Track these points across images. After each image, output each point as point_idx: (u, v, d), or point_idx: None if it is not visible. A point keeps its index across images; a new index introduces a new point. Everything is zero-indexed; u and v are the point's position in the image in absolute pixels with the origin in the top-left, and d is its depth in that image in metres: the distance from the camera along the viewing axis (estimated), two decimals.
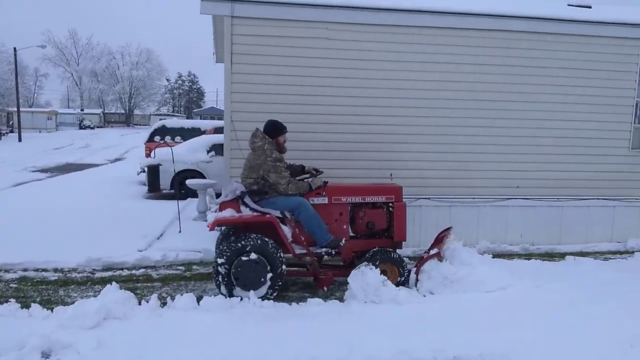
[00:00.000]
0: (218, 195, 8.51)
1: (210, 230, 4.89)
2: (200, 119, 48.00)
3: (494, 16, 6.82)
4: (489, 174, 7.16)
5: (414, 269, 5.19)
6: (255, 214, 4.91)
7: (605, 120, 7.37)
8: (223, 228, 5.44)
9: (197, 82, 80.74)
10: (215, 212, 4.96)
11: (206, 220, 5.02)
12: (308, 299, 4.67)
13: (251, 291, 4.62)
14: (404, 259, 5.41)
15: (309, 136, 6.60)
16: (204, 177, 10.28)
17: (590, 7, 7.66)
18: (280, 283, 4.81)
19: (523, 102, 7.10)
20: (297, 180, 5.21)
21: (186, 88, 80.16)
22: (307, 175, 5.60)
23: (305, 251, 5.08)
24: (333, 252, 5.25)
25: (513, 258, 6.66)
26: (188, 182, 8.62)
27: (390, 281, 4.86)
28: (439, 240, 5.58)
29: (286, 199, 5.05)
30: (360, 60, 6.66)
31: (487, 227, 7.23)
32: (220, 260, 4.69)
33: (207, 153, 10.88)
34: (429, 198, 7.06)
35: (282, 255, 4.82)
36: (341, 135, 6.73)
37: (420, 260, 5.26)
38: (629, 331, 3.91)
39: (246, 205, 4.95)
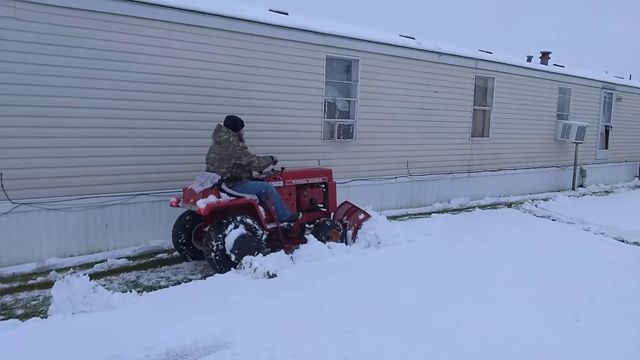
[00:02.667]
0: None
1: (204, 214, 5.42)
2: None
3: (197, 12, 7.01)
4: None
5: (351, 231, 6.74)
6: (232, 198, 5.72)
7: (303, 115, 8.46)
8: (182, 212, 6.24)
9: None
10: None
11: None
12: (0, 322, 4.03)
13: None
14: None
15: None
16: None
17: (287, 14, 8.62)
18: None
19: (234, 97, 7.55)
20: (261, 156, 6.13)
21: None
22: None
23: (275, 226, 6.17)
24: (291, 225, 6.44)
25: None
26: None
27: (334, 241, 6.44)
28: (354, 210, 7.09)
29: (255, 184, 6.06)
30: (58, 47, 5.99)
31: None
32: (215, 241, 5.43)
33: None
34: (148, 194, 6.90)
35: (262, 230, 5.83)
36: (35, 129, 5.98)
37: (356, 221, 6.85)
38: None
39: (223, 191, 5.72)
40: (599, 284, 5.28)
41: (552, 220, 9.33)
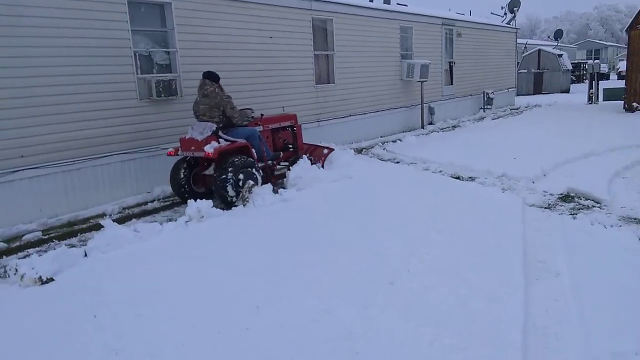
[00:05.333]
0: None
1: (213, 156, 6.27)
2: None
3: None
4: None
5: (320, 163, 7.99)
6: (228, 143, 6.57)
7: (109, 73, 7.15)
8: (177, 160, 6.95)
9: None
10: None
11: None
12: None
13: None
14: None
15: None
16: None
17: None
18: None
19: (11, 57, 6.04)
20: (240, 110, 7.04)
21: None
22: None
23: (264, 164, 7.15)
24: (274, 163, 7.46)
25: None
26: None
27: None
28: (315, 147, 8.37)
29: (245, 130, 6.96)
30: None
31: None
32: (228, 176, 6.32)
33: None
34: None
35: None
36: None
37: (321, 156, 8.15)
38: None
39: (220, 137, 6.58)
40: (423, 231, 5.01)
41: (396, 162, 9.22)
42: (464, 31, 16.20)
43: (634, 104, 14.92)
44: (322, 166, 7.97)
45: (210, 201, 6.03)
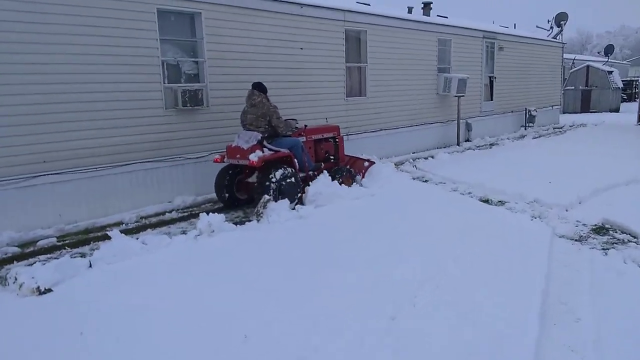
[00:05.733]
0: None
1: (257, 165, 6.44)
2: None
3: None
4: (9, 150, 6.07)
5: (360, 175, 8.13)
6: (272, 152, 6.78)
7: (136, 81, 7.20)
8: (222, 167, 7.20)
9: None
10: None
11: None
12: None
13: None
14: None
15: None
16: None
17: None
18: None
19: (32, 63, 6.16)
20: (285, 121, 7.20)
21: None
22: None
23: (305, 174, 7.29)
24: (315, 174, 7.47)
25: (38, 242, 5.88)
26: None
27: (347, 185, 7.60)
28: (356, 159, 8.52)
29: (288, 140, 7.14)
30: None
31: (13, 212, 6.18)
32: (268, 186, 6.46)
33: None
34: None
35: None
36: None
37: (361, 168, 8.28)
38: None
39: (265, 147, 6.79)
40: (441, 259, 4.71)
41: (424, 181, 8.88)
42: (507, 45, 15.66)
43: None
44: (363, 179, 8.10)
45: (223, 215, 5.93)
